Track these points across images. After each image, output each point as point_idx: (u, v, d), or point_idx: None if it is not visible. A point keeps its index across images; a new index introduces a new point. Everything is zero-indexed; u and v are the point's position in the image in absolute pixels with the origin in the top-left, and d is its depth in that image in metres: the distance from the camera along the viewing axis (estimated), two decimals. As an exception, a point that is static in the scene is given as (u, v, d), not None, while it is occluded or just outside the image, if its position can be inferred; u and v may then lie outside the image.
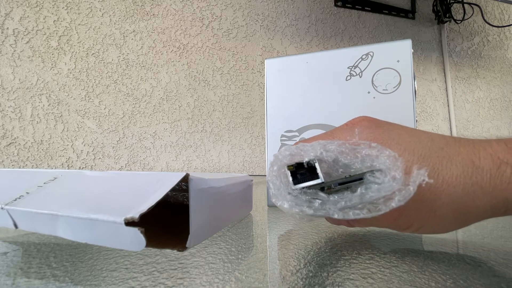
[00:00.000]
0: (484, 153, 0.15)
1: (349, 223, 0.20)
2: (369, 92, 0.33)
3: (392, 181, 0.13)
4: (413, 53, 0.32)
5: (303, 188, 0.15)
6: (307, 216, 0.15)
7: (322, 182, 0.15)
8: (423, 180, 0.13)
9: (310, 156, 0.15)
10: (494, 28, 1.16)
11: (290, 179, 0.15)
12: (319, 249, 0.20)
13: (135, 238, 0.14)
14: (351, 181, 0.15)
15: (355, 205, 0.14)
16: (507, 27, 1.18)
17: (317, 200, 0.14)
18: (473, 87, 1.15)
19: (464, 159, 0.15)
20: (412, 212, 0.16)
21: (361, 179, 0.14)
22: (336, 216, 0.14)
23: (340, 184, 0.15)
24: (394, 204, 0.13)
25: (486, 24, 1.13)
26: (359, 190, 0.14)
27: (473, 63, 1.16)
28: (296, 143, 0.17)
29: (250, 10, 0.89)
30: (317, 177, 0.15)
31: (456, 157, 0.15)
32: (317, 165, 0.15)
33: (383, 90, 0.32)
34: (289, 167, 0.15)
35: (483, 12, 1.05)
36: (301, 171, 0.15)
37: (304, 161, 0.15)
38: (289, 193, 0.15)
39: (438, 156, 0.15)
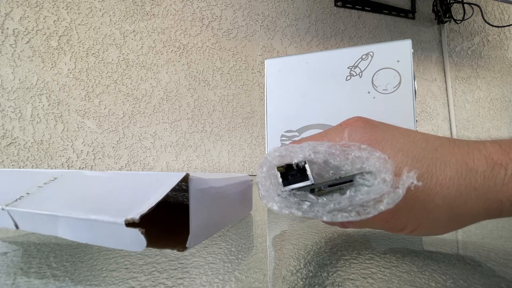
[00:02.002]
0: (478, 154, 0.15)
1: (343, 224, 0.20)
2: (369, 92, 0.33)
3: (382, 184, 0.13)
4: (413, 53, 0.32)
5: (293, 189, 0.15)
6: (298, 217, 0.15)
7: (312, 184, 0.14)
8: (412, 183, 0.13)
9: (299, 157, 0.15)
10: (494, 28, 1.16)
11: (280, 180, 0.15)
12: (319, 249, 0.20)
13: (136, 239, 0.14)
14: (341, 183, 0.14)
15: (344, 207, 0.14)
16: (507, 27, 1.18)
17: (306, 202, 0.14)
18: (473, 87, 1.15)
19: (458, 161, 0.15)
20: (405, 214, 0.16)
21: (351, 181, 0.14)
22: (325, 218, 0.14)
23: (330, 186, 0.14)
24: (383, 207, 0.13)
25: (486, 24, 1.13)
26: (348, 192, 0.14)
27: (473, 63, 1.16)
28: (289, 144, 0.17)
29: (250, 10, 0.89)
30: (307, 178, 0.15)
31: (450, 159, 0.15)
32: (307, 166, 0.15)
33: (383, 90, 0.32)
34: (278, 168, 0.15)
35: (483, 12, 1.05)
36: (292, 172, 0.15)
37: (293, 163, 0.15)
38: (279, 195, 0.15)
39: (432, 158, 0.15)
